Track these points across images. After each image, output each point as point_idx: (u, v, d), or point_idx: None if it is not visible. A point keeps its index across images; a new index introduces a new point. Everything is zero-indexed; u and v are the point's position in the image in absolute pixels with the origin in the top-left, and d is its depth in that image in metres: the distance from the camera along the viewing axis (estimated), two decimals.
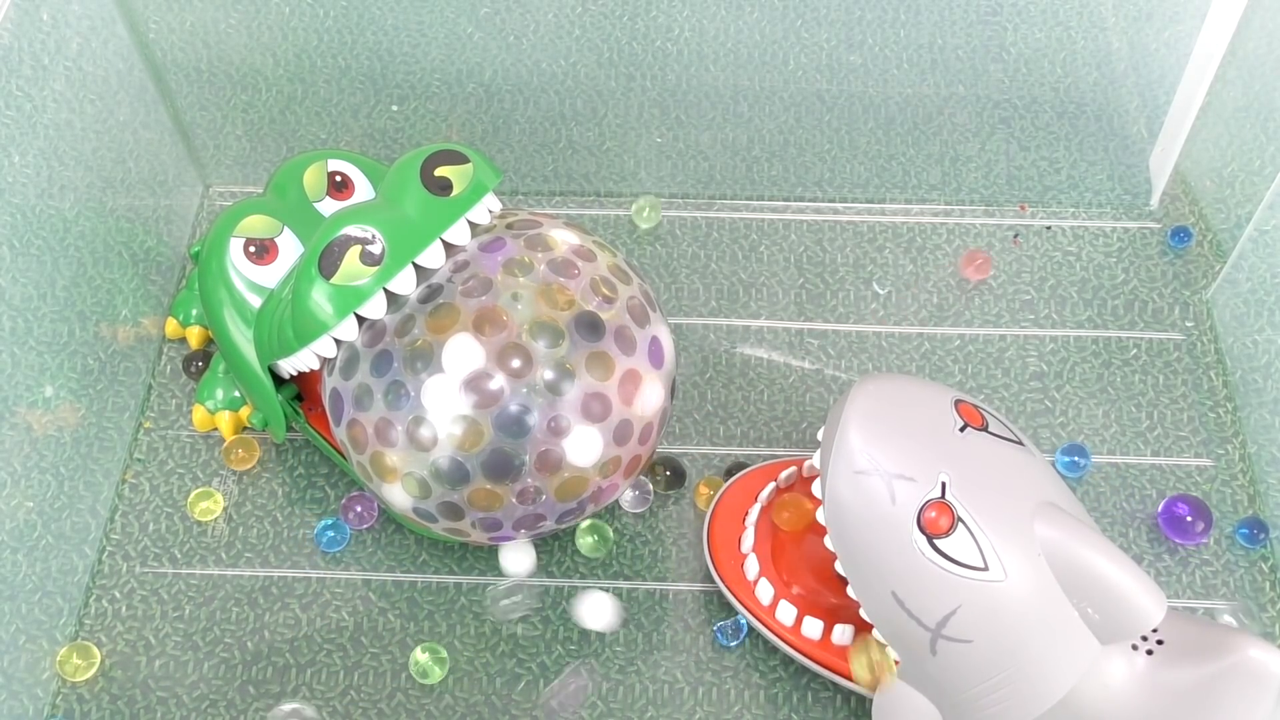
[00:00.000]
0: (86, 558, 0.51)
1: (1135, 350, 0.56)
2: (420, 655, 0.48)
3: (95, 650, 0.49)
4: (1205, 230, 0.59)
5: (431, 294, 0.43)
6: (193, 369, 0.55)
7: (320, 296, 0.43)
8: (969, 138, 0.62)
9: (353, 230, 0.43)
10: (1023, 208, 0.60)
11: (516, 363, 0.42)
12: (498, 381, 0.42)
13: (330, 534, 0.51)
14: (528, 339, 0.42)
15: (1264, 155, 0.56)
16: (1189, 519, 0.50)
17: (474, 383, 0.42)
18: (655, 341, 0.45)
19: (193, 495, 0.52)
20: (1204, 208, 0.59)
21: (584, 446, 0.43)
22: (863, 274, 0.58)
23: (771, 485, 0.49)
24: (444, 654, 0.48)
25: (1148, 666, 0.44)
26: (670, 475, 0.52)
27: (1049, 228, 0.59)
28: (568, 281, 0.43)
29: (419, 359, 0.42)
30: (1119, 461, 0.53)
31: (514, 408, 0.42)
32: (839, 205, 0.60)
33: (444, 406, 0.42)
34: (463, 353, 0.42)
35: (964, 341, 0.56)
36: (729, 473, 0.52)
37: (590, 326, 0.43)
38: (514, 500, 0.43)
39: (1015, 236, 0.59)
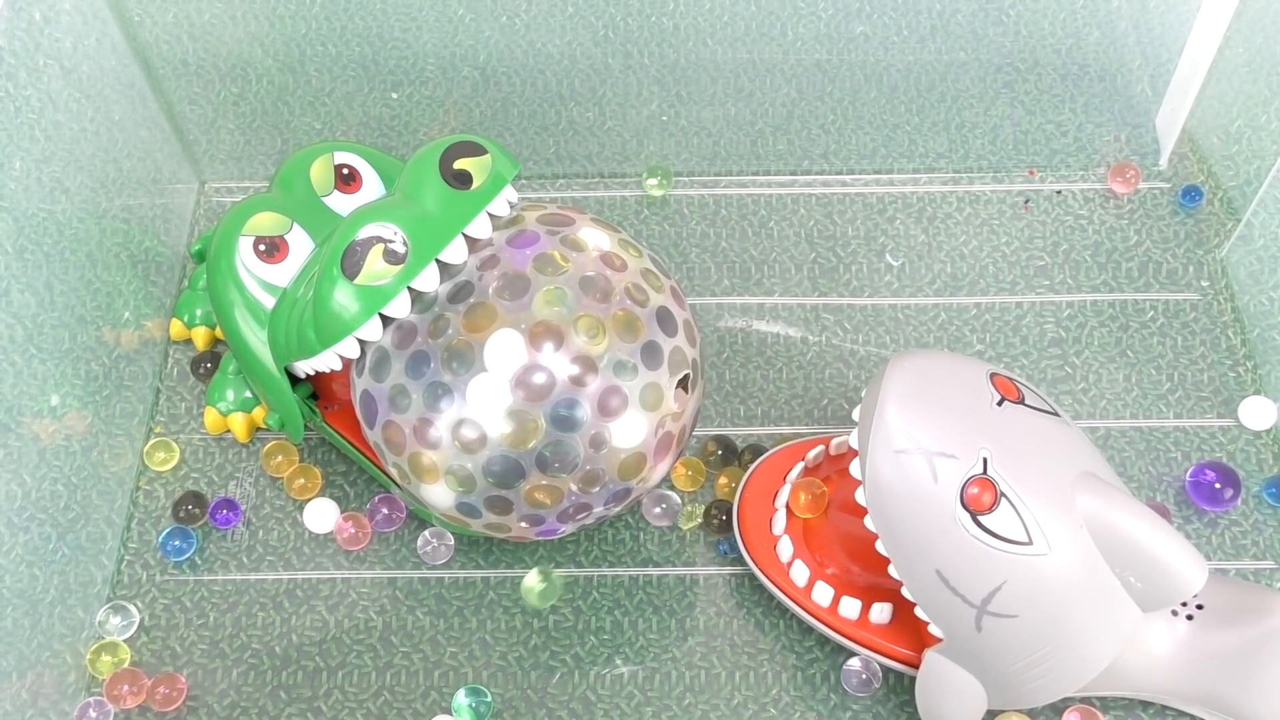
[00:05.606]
0: (105, 568, 0.50)
1: (1152, 312, 0.56)
2: (532, 580, 0.48)
3: (125, 647, 0.48)
4: (1216, 188, 0.59)
5: (461, 291, 0.42)
6: (201, 371, 0.54)
7: (344, 297, 0.42)
8: (974, 103, 0.61)
9: (375, 228, 0.42)
10: (1032, 173, 0.59)
11: (561, 354, 0.41)
12: (544, 375, 0.41)
13: (176, 543, 0.50)
14: (571, 333, 0.42)
15: (1270, 110, 0.56)
16: (1217, 485, 0.50)
17: (521, 378, 0.41)
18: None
19: (149, 444, 0.52)
20: (1213, 165, 0.59)
21: (630, 430, 0.42)
22: (875, 246, 0.58)
23: (800, 465, 0.49)
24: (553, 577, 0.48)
25: (1189, 632, 0.44)
26: (723, 453, 0.52)
27: (1059, 192, 0.59)
28: (601, 305, 0.43)
29: (457, 359, 0.41)
30: (1142, 425, 0.53)
31: (566, 398, 0.41)
32: (847, 177, 0.60)
33: (492, 405, 0.41)
34: (505, 350, 0.41)
35: (980, 310, 0.56)
36: (739, 456, 0.52)
37: (651, 352, 0.43)
38: (574, 489, 0.42)
39: (1026, 202, 0.59)
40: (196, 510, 0.51)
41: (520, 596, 0.49)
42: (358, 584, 0.50)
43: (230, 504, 0.51)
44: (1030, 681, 0.43)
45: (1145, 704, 0.46)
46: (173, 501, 0.51)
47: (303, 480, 0.51)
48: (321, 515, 0.51)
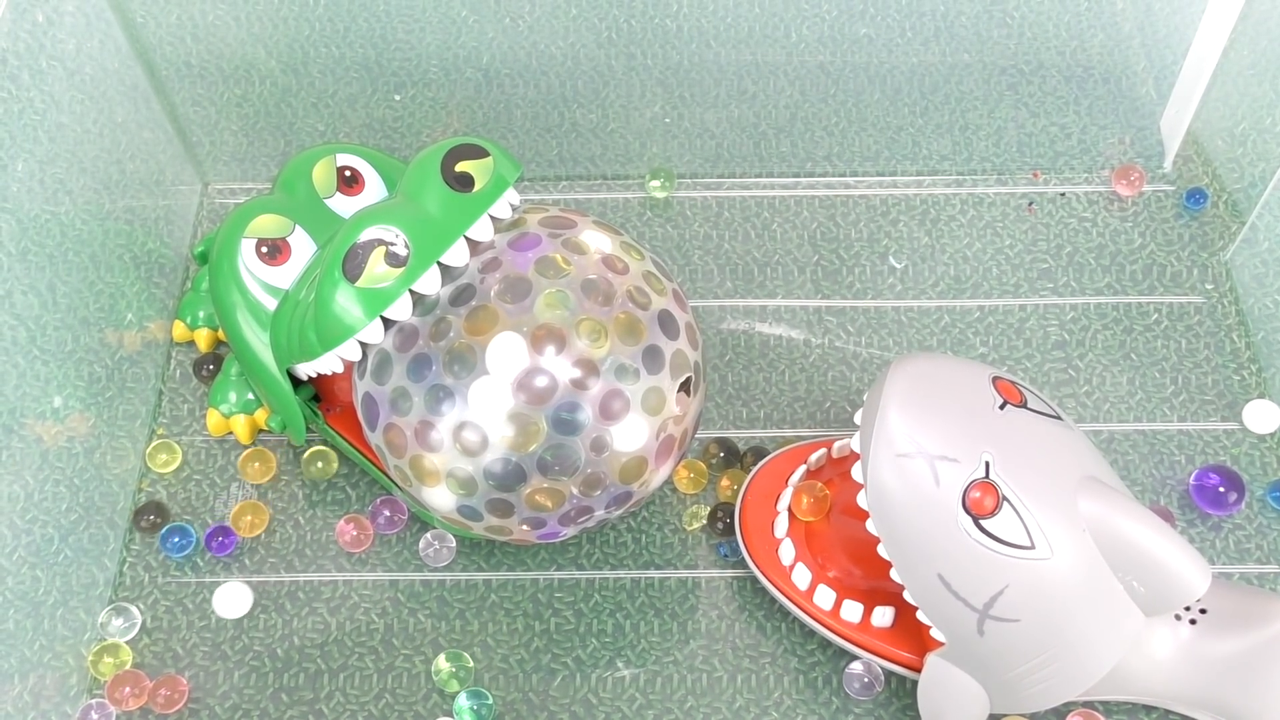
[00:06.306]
0: (107, 570, 0.50)
1: (1156, 315, 0.55)
2: (443, 664, 0.48)
3: (126, 649, 0.48)
4: (1220, 191, 0.58)
5: (463, 294, 0.42)
6: (204, 373, 0.54)
7: (346, 300, 0.42)
8: (977, 105, 0.61)
9: (377, 231, 0.42)
10: (1035, 175, 0.59)
11: (563, 357, 0.41)
12: (545, 378, 0.41)
13: (176, 539, 0.50)
14: (573, 336, 0.41)
15: (1275, 113, 0.56)
16: (1221, 489, 0.50)
17: (523, 382, 0.41)
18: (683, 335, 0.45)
19: (151, 446, 0.52)
20: (1218, 168, 0.59)
21: (632, 433, 0.42)
22: (878, 248, 0.58)
23: (802, 468, 0.49)
24: (469, 663, 0.48)
25: (1192, 637, 0.44)
26: (725, 456, 0.51)
27: (1063, 194, 0.59)
28: (603, 309, 0.42)
29: (458, 362, 0.41)
30: (1146, 429, 0.53)
31: (567, 401, 0.41)
32: (850, 179, 0.60)
33: (493, 408, 0.41)
34: (507, 353, 0.41)
35: (984, 313, 0.56)
36: (741, 458, 0.51)
37: (651, 355, 0.43)
38: (576, 492, 0.42)
39: (1030, 205, 0.58)
40: (158, 520, 0.51)
41: (522, 600, 0.49)
42: (359, 586, 0.50)
43: (225, 530, 0.50)
44: (1032, 686, 0.43)
45: (1148, 709, 0.46)
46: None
47: (250, 517, 0.51)
48: (233, 600, 0.49)
